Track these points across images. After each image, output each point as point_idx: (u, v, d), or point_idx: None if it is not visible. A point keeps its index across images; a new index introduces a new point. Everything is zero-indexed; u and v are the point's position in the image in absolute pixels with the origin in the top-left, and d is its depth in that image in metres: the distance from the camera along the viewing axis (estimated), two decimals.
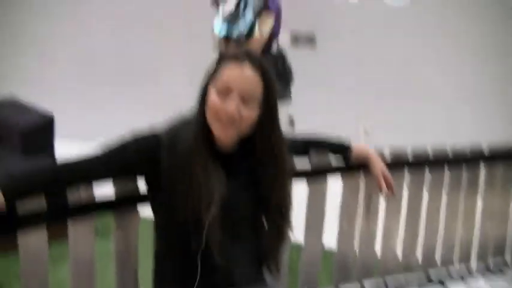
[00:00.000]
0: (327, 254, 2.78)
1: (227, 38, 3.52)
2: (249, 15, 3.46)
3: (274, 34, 3.56)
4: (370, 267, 2.28)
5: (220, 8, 3.60)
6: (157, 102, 4.20)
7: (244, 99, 1.46)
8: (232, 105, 1.44)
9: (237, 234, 1.59)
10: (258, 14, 3.46)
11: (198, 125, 1.51)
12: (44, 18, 5.30)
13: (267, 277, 1.70)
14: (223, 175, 1.52)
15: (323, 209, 2.15)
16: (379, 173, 2.05)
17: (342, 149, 2.07)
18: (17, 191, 1.42)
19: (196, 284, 1.53)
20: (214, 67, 1.51)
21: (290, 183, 1.68)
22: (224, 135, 1.49)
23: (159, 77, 4.98)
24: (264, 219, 1.62)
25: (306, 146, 2.01)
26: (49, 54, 5.37)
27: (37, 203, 1.52)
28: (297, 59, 4.72)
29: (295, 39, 4.74)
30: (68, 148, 4.18)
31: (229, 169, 1.55)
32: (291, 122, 4.81)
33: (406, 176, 2.29)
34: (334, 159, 2.10)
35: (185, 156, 1.49)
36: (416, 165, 2.30)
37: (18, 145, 3.77)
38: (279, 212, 1.62)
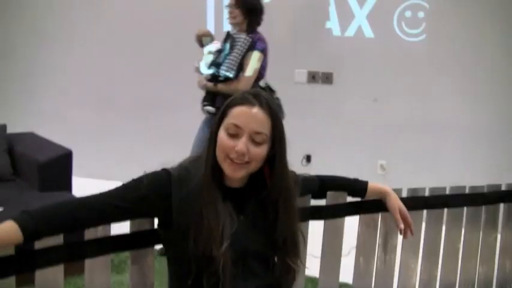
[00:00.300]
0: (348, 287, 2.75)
1: (214, 77, 3.56)
2: (235, 55, 3.49)
3: (261, 75, 3.61)
4: None
5: (205, 48, 3.66)
6: (175, 140, 4.23)
7: (253, 138, 1.51)
8: (241, 143, 1.49)
9: (249, 270, 1.59)
10: (245, 55, 3.50)
11: (208, 166, 1.55)
12: (59, 51, 5.40)
13: None
14: (233, 212, 1.56)
15: (340, 245, 2.13)
16: (396, 209, 2.03)
17: (357, 183, 2.07)
18: (35, 230, 1.42)
19: None
20: (222, 110, 1.56)
21: (298, 218, 1.68)
22: (234, 174, 1.53)
23: (177, 113, 5.03)
24: (274, 255, 1.63)
25: (322, 182, 2.01)
26: (64, 90, 5.46)
27: (54, 240, 1.52)
28: (313, 95, 4.77)
29: (312, 77, 4.76)
30: (84, 186, 4.24)
31: (239, 205, 1.59)
32: (307, 158, 4.82)
33: (424, 214, 2.26)
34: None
35: (195, 194, 1.53)
36: (435, 204, 2.28)
37: (36, 180, 3.80)
38: (288, 247, 1.63)
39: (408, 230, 2.04)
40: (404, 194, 2.20)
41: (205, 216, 1.50)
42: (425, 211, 2.27)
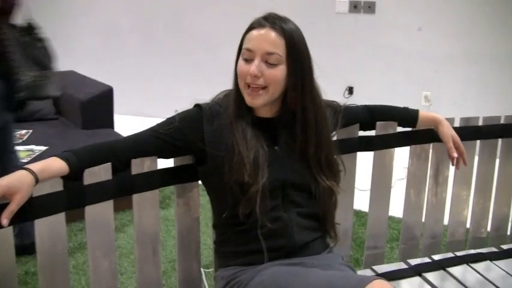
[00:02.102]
0: (394, 220, 2.72)
1: None
2: None
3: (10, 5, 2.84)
4: (438, 240, 2.19)
5: None
6: (211, 77, 4.19)
7: (266, 60, 1.49)
8: (253, 65, 1.49)
9: (289, 200, 1.58)
10: None
11: (236, 96, 1.57)
12: None
13: (328, 241, 1.70)
14: (265, 142, 1.56)
15: (390, 177, 2.07)
16: (449, 137, 1.95)
17: (408, 112, 2.00)
18: (79, 165, 1.45)
19: (263, 251, 1.54)
20: (241, 39, 1.56)
21: (331, 142, 1.69)
22: (253, 101, 1.53)
23: (218, 49, 4.96)
24: (314, 184, 1.60)
25: (370, 111, 1.96)
26: (104, 28, 5.42)
27: (104, 176, 1.52)
28: (355, 25, 4.63)
29: (354, 7, 4.60)
30: (126, 123, 4.25)
31: (273, 135, 1.60)
32: (350, 90, 4.72)
33: (478, 144, 2.18)
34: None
35: (227, 126, 1.55)
36: (488, 134, 2.18)
37: (79, 117, 3.83)
38: (324, 169, 1.62)
39: (461, 160, 1.98)
40: (456, 124, 2.11)
41: (235, 144, 1.52)
42: (478, 141, 2.18)
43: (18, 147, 3.32)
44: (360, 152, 2.00)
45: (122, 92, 4.27)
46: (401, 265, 2.04)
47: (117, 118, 4.03)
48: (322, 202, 1.62)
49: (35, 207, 1.40)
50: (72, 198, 1.47)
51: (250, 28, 1.52)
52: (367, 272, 1.99)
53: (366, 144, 2.00)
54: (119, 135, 3.72)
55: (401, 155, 2.15)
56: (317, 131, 1.60)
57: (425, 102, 4.55)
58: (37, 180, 1.36)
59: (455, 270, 2.01)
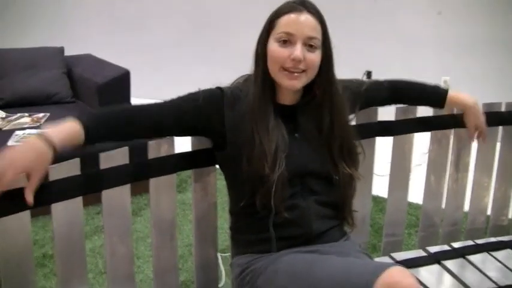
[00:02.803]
0: (412, 206, 2.69)
1: None
2: None
3: None
4: (458, 228, 2.16)
5: None
6: (228, 61, 4.15)
7: (307, 45, 1.48)
8: (297, 50, 1.45)
9: (308, 188, 1.56)
10: None
11: (258, 82, 1.52)
12: None
13: (346, 228, 1.68)
14: (286, 130, 1.53)
15: (409, 163, 2.04)
16: (472, 128, 1.94)
17: (436, 90, 1.94)
18: (96, 132, 1.42)
19: (272, 240, 1.54)
20: (268, 23, 1.52)
21: (350, 126, 1.66)
22: (292, 84, 1.50)
23: (235, 33, 4.92)
24: (334, 171, 1.58)
25: (392, 87, 1.90)
26: (119, 11, 5.40)
27: (121, 160, 1.51)
28: (375, 9, 4.56)
29: None
30: None
31: (293, 123, 1.58)
32: (368, 74, 4.67)
33: (500, 130, 2.13)
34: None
35: (247, 113, 1.51)
36: (511, 119, 2.13)
37: (95, 101, 3.82)
38: (344, 155, 1.60)
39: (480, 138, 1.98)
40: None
41: (256, 133, 1.49)
42: (500, 128, 2.14)
43: (34, 131, 3.33)
44: (379, 137, 1.97)
45: (139, 76, 4.25)
46: (420, 252, 2.02)
47: (133, 101, 4.01)
48: (341, 189, 1.60)
49: (52, 192, 1.39)
50: (88, 182, 1.46)
51: (285, 12, 1.48)
52: (386, 259, 1.97)
53: (386, 129, 1.97)
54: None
55: (421, 140, 2.11)
56: (340, 116, 1.59)
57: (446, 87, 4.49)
58: (55, 154, 1.32)
59: (475, 258, 1.99)
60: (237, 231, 1.65)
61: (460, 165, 2.10)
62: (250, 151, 1.48)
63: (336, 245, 1.60)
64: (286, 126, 1.54)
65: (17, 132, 3.32)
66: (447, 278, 1.87)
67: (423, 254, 2.01)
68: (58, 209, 1.42)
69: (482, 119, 1.95)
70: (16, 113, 3.65)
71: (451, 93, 1.93)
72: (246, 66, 1.60)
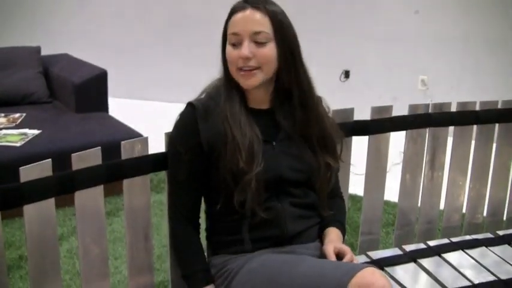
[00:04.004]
0: (390, 205, 2.69)
1: None
2: None
3: None
4: (433, 226, 2.18)
5: None
6: (207, 60, 4.14)
7: (255, 40, 1.46)
8: (244, 47, 1.45)
9: (285, 192, 1.56)
10: None
11: (226, 86, 1.54)
12: None
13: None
14: (259, 131, 1.52)
15: (385, 162, 2.05)
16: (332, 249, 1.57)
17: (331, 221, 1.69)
18: None
19: (247, 241, 1.55)
20: (224, 27, 1.53)
21: (325, 116, 1.66)
22: (248, 83, 1.49)
23: (214, 32, 4.90)
24: (315, 160, 1.59)
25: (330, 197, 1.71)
26: (96, 9, 5.36)
27: (94, 161, 1.50)
28: (352, 9, 4.58)
29: None
30: (120, 107, 4.22)
31: (272, 129, 1.57)
32: (346, 74, 4.68)
33: (475, 129, 2.15)
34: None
35: (221, 118, 1.51)
36: (486, 119, 2.15)
37: (72, 101, 3.79)
38: (323, 146, 1.61)
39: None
40: (453, 108, 2.09)
41: (228, 130, 1.48)
42: (475, 126, 2.15)
43: (11, 131, 3.30)
44: (356, 136, 1.97)
45: (116, 75, 4.23)
46: (397, 251, 2.03)
47: (111, 101, 3.99)
48: (320, 178, 1.61)
49: (24, 193, 1.38)
50: (61, 183, 1.45)
51: (232, 13, 1.49)
52: (362, 258, 1.97)
53: (361, 129, 1.98)
54: (112, 118, 3.69)
55: (397, 139, 2.12)
56: (313, 108, 1.59)
57: (422, 86, 4.52)
58: None
59: (451, 256, 1.99)
60: (212, 232, 1.65)
61: (435, 163, 2.11)
62: (224, 147, 1.48)
63: (312, 246, 1.60)
64: (262, 132, 1.53)
65: None
66: (423, 276, 1.88)
67: (399, 252, 2.01)
68: (30, 210, 1.41)
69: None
70: None
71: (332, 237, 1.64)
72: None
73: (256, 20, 1.45)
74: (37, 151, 3.00)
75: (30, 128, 3.36)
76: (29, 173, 1.38)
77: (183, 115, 1.55)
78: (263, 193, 1.50)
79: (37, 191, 1.40)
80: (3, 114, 3.59)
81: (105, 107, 3.88)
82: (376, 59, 4.61)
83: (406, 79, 4.52)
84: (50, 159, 1.43)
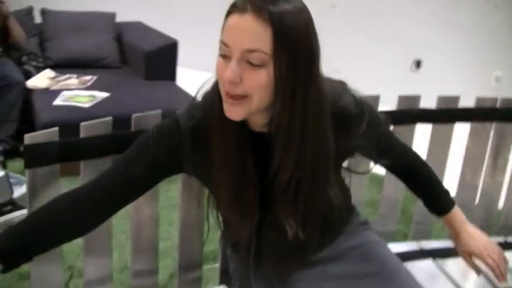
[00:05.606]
0: None
1: None
2: None
3: None
4: (489, 223, 2.12)
5: None
6: None
7: (248, 60, 1.02)
8: (229, 68, 1.03)
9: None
10: None
11: (216, 102, 1.12)
12: None
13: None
14: (254, 165, 1.16)
15: (446, 153, 2.00)
16: (465, 255, 1.50)
17: (443, 199, 1.53)
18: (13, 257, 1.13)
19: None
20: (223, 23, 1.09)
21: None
22: (231, 114, 1.08)
23: None
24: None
25: (405, 166, 1.51)
26: None
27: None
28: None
29: None
30: (188, 77, 4.27)
31: (267, 158, 1.14)
32: (417, 64, 4.57)
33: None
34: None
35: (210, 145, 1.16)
36: None
37: (142, 68, 3.88)
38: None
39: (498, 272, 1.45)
40: None
41: (221, 173, 1.16)
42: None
43: (81, 92, 3.40)
44: (420, 123, 1.93)
45: (187, 46, 4.28)
46: (448, 243, 1.98)
47: (180, 71, 4.05)
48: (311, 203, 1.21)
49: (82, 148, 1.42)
50: (117, 143, 1.44)
51: (230, 11, 1.05)
52: (413, 245, 1.94)
53: (426, 117, 1.94)
54: (178, 88, 3.76)
55: (459, 132, 2.07)
56: (320, 187, 1.18)
57: (495, 83, 4.37)
58: None
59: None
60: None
61: (498, 160, 2.05)
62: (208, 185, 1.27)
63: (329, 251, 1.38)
64: (260, 162, 1.16)
65: (64, 92, 3.40)
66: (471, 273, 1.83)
67: (450, 245, 1.97)
68: (88, 166, 1.45)
69: (475, 246, 1.47)
70: (65, 74, 3.74)
71: (456, 210, 1.52)
72: None
73: (253, 32, 1.01)
74: (104, 113, 3.08)
75: (100, 90, 3.47)
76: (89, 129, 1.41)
77: (164, 131, 1.21)
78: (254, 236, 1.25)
79: (95, 147, 1.43)
80: (75, 76, 3.71)
81: (173, 76, 3.96)
82: (450, 50, 4.48)
83: (478, 73, 4.37)
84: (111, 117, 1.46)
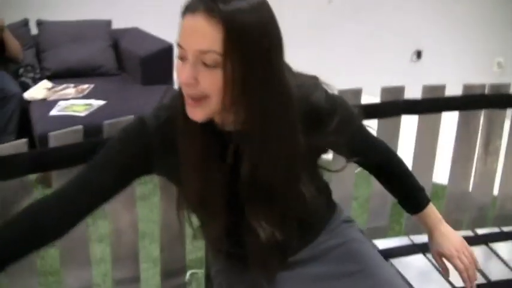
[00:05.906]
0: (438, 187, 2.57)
1: None
2: None
3: None
4: (484, 213, 2.07)
5: None
6: None
7: (202, 61, 1.01)
8: (185, 70, 1.02)
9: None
10: None
11: (179, 108, 1.11)
12: None
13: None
14: (224, 166, 1.13)
15: (435, 143, 1.96)
16: (435, 255, 1.47)
17: (417, 196, 1.47)
18: None
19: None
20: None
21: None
22: (193, 115, 1.07)
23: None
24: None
25: (378, 163, 1.46)
26: None
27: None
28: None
29: None
30: None
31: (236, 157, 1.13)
32: (418, 54, 4.52)
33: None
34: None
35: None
36: None
37: (138, 73, 3.88)
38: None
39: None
40: None
41: (189, 172, 1.14)
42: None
43: (77, 101, 3.41)
44: (405, 115, 1.90)
45: None
46: None
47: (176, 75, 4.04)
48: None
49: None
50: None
51: (183, 12, 1.04)
52: (404, 240, 1.91)
53: (412, 107, 1.90)
54: (176, 91, 3.74)
55: (448, 120, 2.03)
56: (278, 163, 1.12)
57: (497, 69, 4.30)
58: None
59: (500, 246, 1.89)
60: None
61: (489, 148, 2.01)
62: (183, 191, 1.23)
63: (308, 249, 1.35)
64: (233, 164, 1.13)
65: (60, 102, 3.40)
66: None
67: None
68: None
69: (449, 247, 1.43)
70: (62, 84, 3.75)
71: (431, 208, 1.47)
72: None
73: (204, 33, 0.99)
74: (99, 121, 3.08)
75: (97, 98, 3.47)
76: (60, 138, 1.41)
77: (130, 133, 1.19)
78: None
79: (65, 156, 1.43)
80: (72, 85, 3.72)
81: (170, 80, 3.95)
82: (450, 39, 4.42)
83: (480, 60, 4.31)
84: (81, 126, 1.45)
